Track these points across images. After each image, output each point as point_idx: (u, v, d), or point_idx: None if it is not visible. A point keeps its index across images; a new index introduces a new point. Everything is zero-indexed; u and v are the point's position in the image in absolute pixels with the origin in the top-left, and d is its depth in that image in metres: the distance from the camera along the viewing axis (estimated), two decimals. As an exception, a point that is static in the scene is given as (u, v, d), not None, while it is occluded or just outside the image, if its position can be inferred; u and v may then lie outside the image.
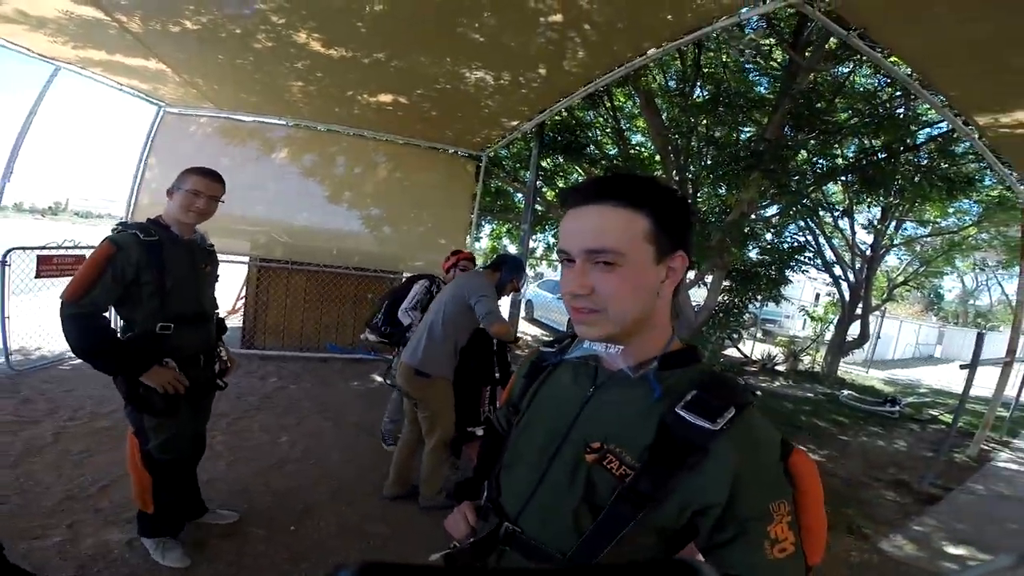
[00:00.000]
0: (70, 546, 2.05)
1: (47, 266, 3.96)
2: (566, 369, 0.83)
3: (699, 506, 0.65)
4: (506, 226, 9.30)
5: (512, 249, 9.16)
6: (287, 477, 2.92)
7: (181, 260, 1.90)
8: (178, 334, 1.88)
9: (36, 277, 3.95)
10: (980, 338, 3.96)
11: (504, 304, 3.01)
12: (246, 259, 5.64)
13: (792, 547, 0.63)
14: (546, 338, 0.92)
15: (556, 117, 5.76)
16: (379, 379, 5.17)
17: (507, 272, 2.76)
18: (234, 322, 6.92)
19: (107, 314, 1.79)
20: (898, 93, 5.43)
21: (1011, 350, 4.88)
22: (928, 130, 5.90)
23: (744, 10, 2.61)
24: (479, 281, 2.60)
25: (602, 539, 0.68)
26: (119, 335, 1.83)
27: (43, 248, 4.07)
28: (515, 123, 4.85)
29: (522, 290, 3.04)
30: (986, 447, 5.25)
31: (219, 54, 3.57)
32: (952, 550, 2.99)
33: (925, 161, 5.85)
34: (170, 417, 1.88)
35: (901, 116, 5.67)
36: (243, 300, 6.41)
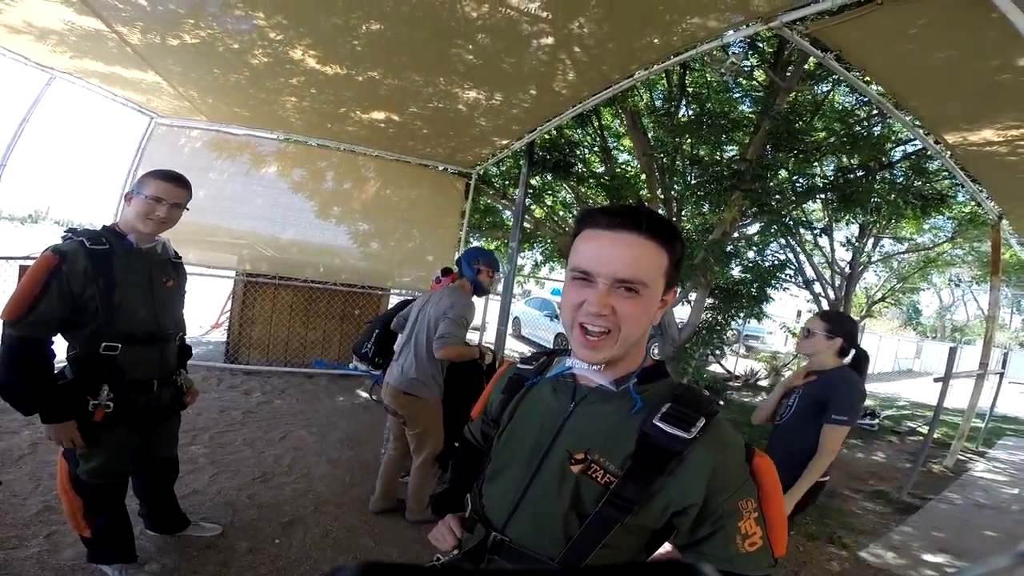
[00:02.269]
0: (48, 556, 2.01)
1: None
2: (545, 385, 0.88)
3: (678, 507, 0.71)
4: (494, 243, 9.35)
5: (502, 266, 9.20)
6: (271, 490, 2.89)
7: (135, 273, 1.73)
8: (126, 356, 1.70)
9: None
10: (952, 352, 4.10)
11: (492, 316, 2.97)
12: (232, 273, 5.59)
13: (761, 540, 0.70)
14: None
15: (545, 136, 5.87)
16: (365, 395, 5.15)
17: (467, 267, 2.68)
18: (218, 336, 6.84)
19: (53, 343, 1.63)
20: (874, 112, 5.61)
21: (983, 363, 5.04)
22: (903, 148, 6.08)
23: (729, 32, 2.73)
24: (454, 298, 2.55)
25: (590, 542, 0.73)
26: (66, 356, 1.69)
27: (27, 258, 4.00)
28: (505, 141, 4.93)
29: (499, 276, 2.87)
30: (963, 457, 5.37)
31: (215, 68, 3.61)
32: (930, 558, 3.05)
33: (900, 179, 6.05)
34: (95, 445, 1.71)
35: (877, 135, 5.90)
36: (227, 314, 6.34)
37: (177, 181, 1.75)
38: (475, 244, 2.31)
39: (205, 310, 7.46)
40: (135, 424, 1.81)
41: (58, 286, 1.56)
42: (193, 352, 2.19)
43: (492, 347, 3.20)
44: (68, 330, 1.66)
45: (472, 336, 3.65)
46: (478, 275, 2.64)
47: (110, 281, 1.64)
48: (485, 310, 8.02)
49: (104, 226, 1.76)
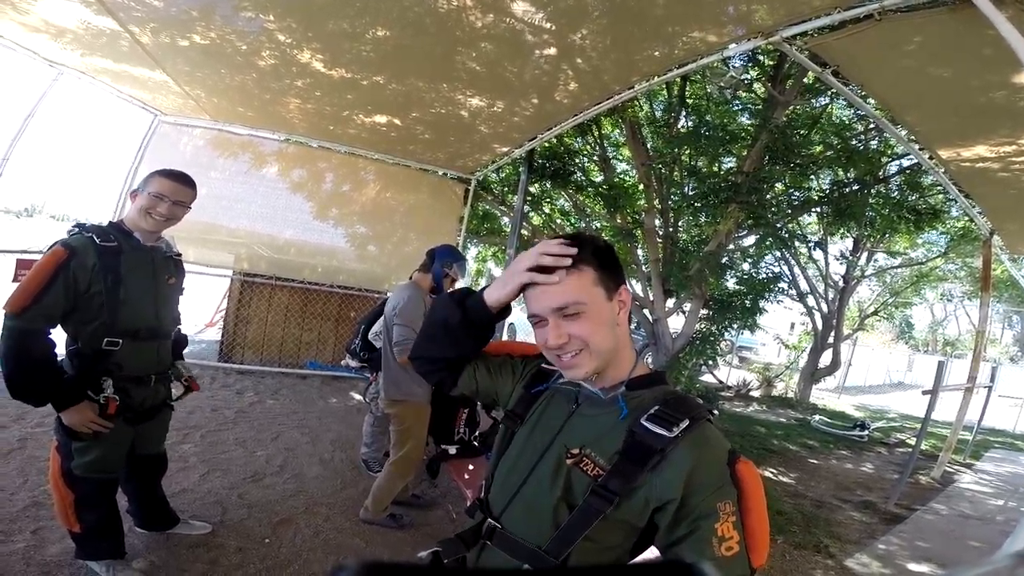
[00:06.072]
0: (35, 552, 2.00)
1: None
2: (556, 389, 0.96)
3: (658, 503, 0.75)
4: (492, 250, 9.38)
5: (497, 272, 9.22)
6: (262, 490, 2.87)
7: (141, 270, 1.75)
8: (126, 352, 1.72)
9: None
10: (940, 366, 4.16)
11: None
12: (229, 272, 5.57)
13: (737, 546, 0.71)
14: None
15: (545, 144, 5.91)
16: (358, 397, 5.13)
17: (438, 266, 2.58)
18: (212, 335, 6.82)
19: (52, 333, 1.62)
20: (871, 126, 5.67)
21: (971, 376, 5.10)
22: (899, 162, 6.15)
23: (732, 45, 2.78)
24: (403, 295, 2.47)
25: (575, 532, 0.78)
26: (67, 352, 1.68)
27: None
28: (506, 149, 4.97)
29: (462, 278, 2.76)
30: (950, 469, 5.41)
31: (223, 68, 3.64)
32: (915, 567, 3.08)
33: (895, 193, 6.11)
34: (95, 439, 1.71)
35: (873, 149, 5.94)
36: (222, 313, 6.32)
37: (181, 179, 1.77)
38: (446, 245, 2.23)
39: (200, 308, 7.44)
40: (132, 419, 1.82)
41: (64, 280, 1.57)
42: (186, 351, 2.17)
43: None
44: (70, 324, 1.66)
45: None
46: (445, 277, 2.58)
47: (117, 278, 1.66)
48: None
49: (110, 222, 1.77)
